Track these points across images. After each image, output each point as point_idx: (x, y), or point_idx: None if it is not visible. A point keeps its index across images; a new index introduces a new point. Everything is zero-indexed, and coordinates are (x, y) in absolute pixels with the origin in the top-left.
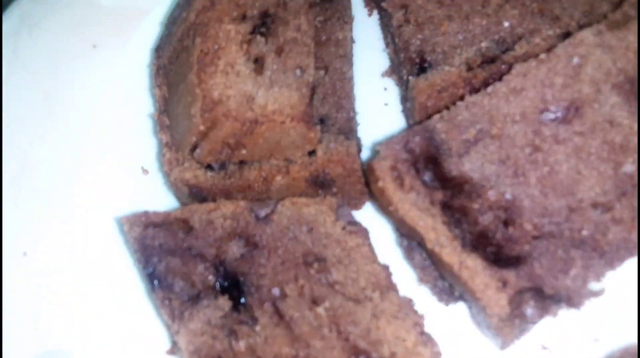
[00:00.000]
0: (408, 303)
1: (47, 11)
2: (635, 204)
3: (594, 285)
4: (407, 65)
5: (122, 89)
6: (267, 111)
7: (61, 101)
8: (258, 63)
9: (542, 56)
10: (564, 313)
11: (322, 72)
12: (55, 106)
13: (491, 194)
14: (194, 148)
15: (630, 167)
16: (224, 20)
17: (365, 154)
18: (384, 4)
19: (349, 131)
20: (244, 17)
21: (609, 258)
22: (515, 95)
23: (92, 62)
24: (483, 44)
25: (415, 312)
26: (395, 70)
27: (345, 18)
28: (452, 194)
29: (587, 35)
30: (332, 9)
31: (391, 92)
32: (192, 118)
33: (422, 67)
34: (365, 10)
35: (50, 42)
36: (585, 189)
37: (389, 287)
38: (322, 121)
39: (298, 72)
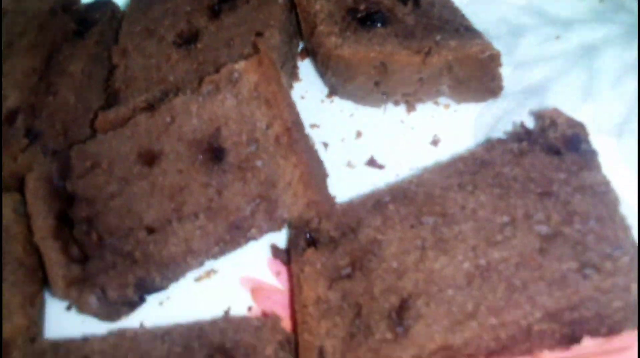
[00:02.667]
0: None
1: None
2: None
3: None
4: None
5: None
6: None
7: None
8: None
9: (148, 112)
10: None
11: (51, 97)
12: None
13: (85, 210)
14: None
15: (174, 205)
16: None
17: None
18: (112, 47)
19: (57, 145)
20: None
21: (138, 266)
22: (125, 139)
23: None
24: (153, 92)
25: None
26: None
27: (83, 54)
28: (67, 205)
29: (178, 101)
30: (80, 45)
31: None
32: None
33: (110, 104)
34: None
35: None
36: (146, 217)
37: (23, 263)
38: (36, 135)
39: (4, 99)
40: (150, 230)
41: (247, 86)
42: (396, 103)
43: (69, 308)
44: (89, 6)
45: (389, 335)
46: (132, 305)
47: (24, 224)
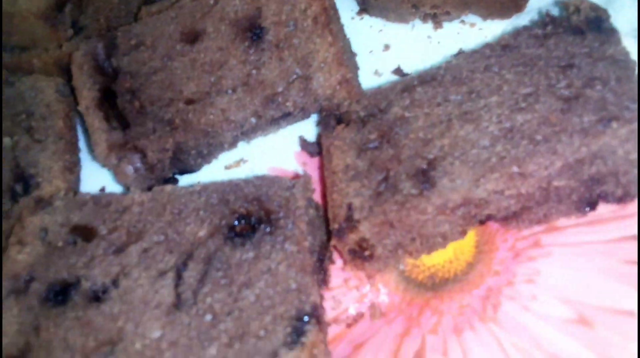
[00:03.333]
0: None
1: None
2: None
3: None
4: None
5: None
6: (20, 9)
7: None
8: None
9: None
10: None
11: None
12: None
13: (129, 82)
14: None
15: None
16: None
17: None
18: None
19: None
20: None
21: (177, 133)
22: (169, 19)
23: None
24: None
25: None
26: None
27: None
28: (110, 80)
29: None
30: None
31: None
32: None
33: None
34: None
35: None
36: (186, 89)
37: (63, 136)
38: (81, 28)
39: None
40: (190, 101)
41: None
42: (424, 19)
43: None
44: None
45: (414, 191)
46: (166, 181)
47: (65, 103)
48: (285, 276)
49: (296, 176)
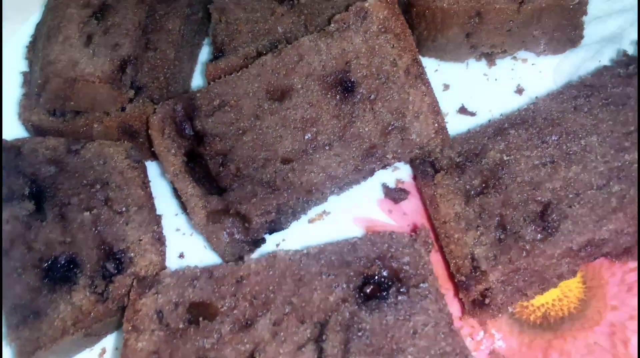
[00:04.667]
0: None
1: None
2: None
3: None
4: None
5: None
6: (83, 73)
7: None
8: (89, 39)
9: (275, 52)
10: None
11: (151, 53)
12: None
13: (218, 145)
14: (39, 96)
15: (310, 135)
16: (71, 5)
17: None
18: (209, 6)
19: (160, 98)
20: (87, 5)
21: (279, 193)
22: (252, 78)
23: None
24: (262, 42)
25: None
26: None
27: (178, 13)
28: (196, 142)
29: (305, 40)
30: (173, 5)
31: None
32: (37, 74)
33: (217, 55)
34: None
35: None
36: (281, 148)
37: (145, 205)
38: (139, 88)
39: (116, 47)
40: (287, 160)
41: (376, 21)
42: (478, 59)
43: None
44: None
45: (538, 236)
46: (255, 243)
47: (140, 169)
48: (434, 338)
49: (414, 230)
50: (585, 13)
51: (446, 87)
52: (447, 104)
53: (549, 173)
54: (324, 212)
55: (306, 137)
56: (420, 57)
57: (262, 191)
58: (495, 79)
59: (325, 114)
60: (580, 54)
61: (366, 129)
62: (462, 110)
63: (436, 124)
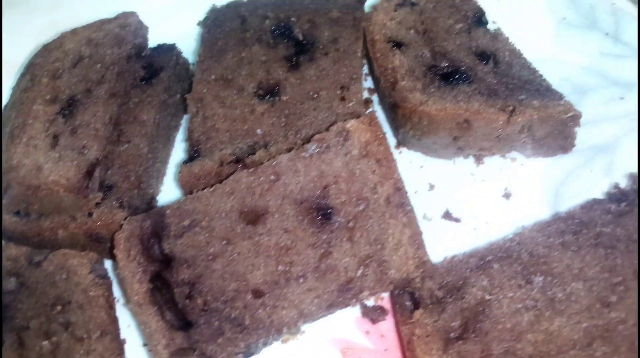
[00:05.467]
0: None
1: None
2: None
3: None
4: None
5: None
6: (47, 181)
7: None
8: (55, 139)
9: (251, 169)
10: None
11: (123, 146)
12: None
13: (186, 272)
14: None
15: (283, 267)
16: (37, 101)
17: None
18: (186, 96)
19: (130, 198)
20: (54, 100)
21: (247, 333)
22: (225, 196)
23: None
24: (239, 145)
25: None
26: None
27: (153, 102)
28: (162, 267)
29: (283, 158)
30: (149, 92)
31: None
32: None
33: (192, 156)
34: None
35: None
36: (252, 279)
37: (107, 330)
38: (109, 187)
39: (84, 150)
40: (258, 293)
41: (358, 144)
42: (466, 156)
43: None
44: (153, 50)
45: None
46: None
47: (104, 286)
48: None
49: None
50: (578, 125)
51: (431, 187)
52: (432, 207)
53: (531, 322)
54: (299, 331)
55: (279, 268)
56: (402, 181)
57: (229, 330)
58: (483, 180)
59: (301, 243)
60: (572, 161)
61: (343, 261)
62: (447, 215)
63: (417, 258)
